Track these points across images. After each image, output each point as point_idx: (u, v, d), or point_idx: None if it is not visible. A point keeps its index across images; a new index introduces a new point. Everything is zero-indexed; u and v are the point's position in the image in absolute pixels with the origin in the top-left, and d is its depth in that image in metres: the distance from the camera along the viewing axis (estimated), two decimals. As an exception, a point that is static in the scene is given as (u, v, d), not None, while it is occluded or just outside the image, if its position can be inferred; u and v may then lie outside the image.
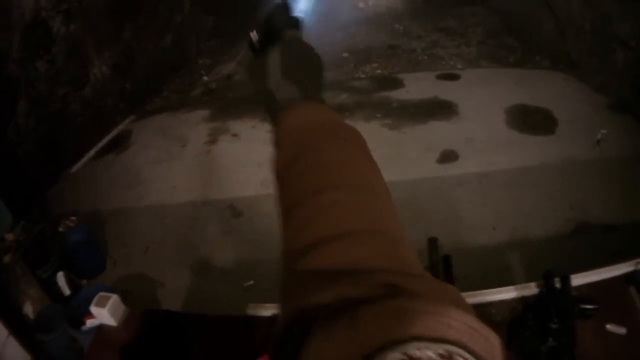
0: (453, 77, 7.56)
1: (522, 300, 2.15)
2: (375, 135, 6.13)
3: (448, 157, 5.57)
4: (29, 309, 3.58)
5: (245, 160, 5.82)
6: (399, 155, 5.72)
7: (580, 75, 6.82)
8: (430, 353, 0.44)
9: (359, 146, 0.93)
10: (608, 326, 1.95)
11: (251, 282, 4.20)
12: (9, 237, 3.60)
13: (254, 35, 1.12)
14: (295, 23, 1.14)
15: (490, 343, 0.48)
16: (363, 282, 0.58)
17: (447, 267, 2.04)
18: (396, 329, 0.46)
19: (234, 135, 6.62)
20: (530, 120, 6.04)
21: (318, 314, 0.54)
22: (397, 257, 0.71)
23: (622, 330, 1.94)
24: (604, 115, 5.91)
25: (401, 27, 10.17)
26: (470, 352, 0.45)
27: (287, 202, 0.83)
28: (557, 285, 1.96)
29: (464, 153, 5.59)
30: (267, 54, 1.07)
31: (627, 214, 4.37)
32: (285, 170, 0.87)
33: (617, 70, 6.07)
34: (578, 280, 2.15)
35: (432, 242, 2.09)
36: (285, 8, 1.14)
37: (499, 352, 0.49)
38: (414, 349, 0.44)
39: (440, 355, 0.44)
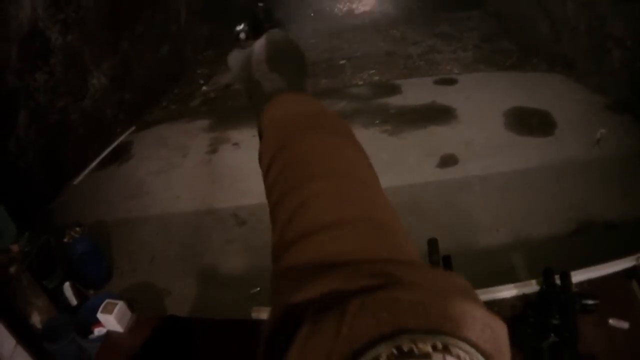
0: (450, 82, 7.59)
1: (523, 298, 2.17)
2: (375, 141, 6.15)
3: (448, 161, 5.59)
4: (36, 319, 3.60)
5: (246, 169, 5.80)
6: (399, 160, 5.74)
7: (578, 77, 6.84)
8: (425, 347, 0.43)
9: (346, 135, 0.92)
10: (610, 321, 1.96)
11: (257, 289, 4.20)
12: (14, 248, 3.62)
13: (242, 27, 1.15)
14: (278, 23, 1.18)
15: (494, 332, 0.47)
16: (355, 274, 0.56)
17: (447, 268, 2.05)
18: (388, 322, 0.45)
19: (235, 144, 6.64)
20: (529, 122, 6.07)
21: (308, 309, 0.52)
22: (391, 245, 0.69)
23: (624, 325, 1.95)
24: (602, 115, 5.93)
25: (397, 33, 10.19)
26: (470, 343, 0.44)
27: (274, 196, 0.82)
28: (558, 281, 1.97)
29: (464, 157, 5.60)
30: (253, 46, 1.11)
31: (627, 211, 4.39)
32: (271, 162, 0.86)
33: (614, 70, 6.10)
34: (579, 276, 2.16)
35: (432, 243, 2.09)
36: (269, 10, 1.18)
37: (505, 341, 0.48)
38: (407, 343, 0.43)
39: (437, 349, 0.43)
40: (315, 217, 0.72)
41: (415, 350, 0.42)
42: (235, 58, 1.15)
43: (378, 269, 0.56)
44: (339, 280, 0.55)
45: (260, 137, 0.96)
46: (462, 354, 0.43)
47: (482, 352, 0.45)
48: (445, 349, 0.43)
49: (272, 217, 0.80)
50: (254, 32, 1.14)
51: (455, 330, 0.44)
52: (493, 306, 2.14)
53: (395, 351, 0.43)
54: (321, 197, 0.74)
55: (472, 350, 0.44)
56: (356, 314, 0.46)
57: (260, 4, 1.17)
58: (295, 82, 1.06)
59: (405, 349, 0.42)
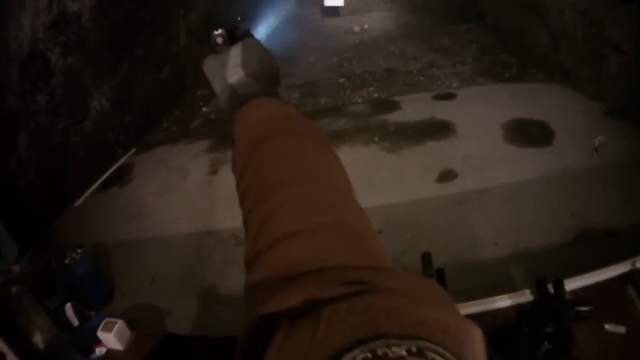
0: (449, 97, 7.63)
1: (517, 307, 2.17)
2: (374, 158, 6.20)
3: (447, 176, 5.60)
4: (38, 339, 3.59)
5: None
6: (399, 177, 5.77)
7: (576, 85, 6.88)
8: (400, 351, 0.43)
9: (317, 139, 0.92)
10: (607, 326, 1.96)
11: (258, 308, 4.19)
12: (16, 268, 3.63)
13: (219, 32, 1.16)
14: (253, 36, 1.21)
15: (469, 337, 0.48)
16: (327, 281, 0.56)
17: (440, 281, 2.04)
18: (364, 328, 0.45)
19: (235, 165, 6.64)
20: (528, 133, 6.09)
21: (281, 318, 0.52)
22: (364, 252, 0.68)
23: (621, 329, 1.95)
24: (600, 122, 5.95)
25: (396, 49, 10.25)
26: (444, 347, 0.44)
27: (247, 205, 0.82)
28: (552, 290, 1.97)
29: (462, 171, 5.61)
30: (229, 51, 1.14)
31: (627, 218, 4.37)
32: (243, 169, 0.86)
33: (612, 76, 6.13)
34: (574, 284, 2.17)
35: (426, 257, 2.08)
36: (246, 22, 1.27)
37: (480, 346, 0.48)
38: (382, 347, 0.43)
39: (411, 353, 0.43)
40: (285, 224, 0.71)
41: (390, 354, 0.43)
42: (210, 63, 1.18)
43: (351, 276, 0.56)
44: (312, 288, 0.55)
45: (234, 142, 0.97)
46: (437, 357, 0.44)
47: (457, 356, 0.45)
48: (420, 353, 0.43)
49: (245, 226, 0.81)
50: (231, 39, 1.17)
51: (430, 334, 0.45)
52: (487, 317, 2.15)
53: (370, 355, 0.43)
54: (290, 205, 0.74)
55: (447, 354, 0.44)
56: (330, 320, 0.46)
57: (239, 18, 1.20)
58: (269, 88, 1.09)
59: (380, 352, 0.43)
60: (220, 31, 1.17)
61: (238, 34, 1.18)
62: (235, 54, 1.13)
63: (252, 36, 1.20)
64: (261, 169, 0.83)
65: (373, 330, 0.44)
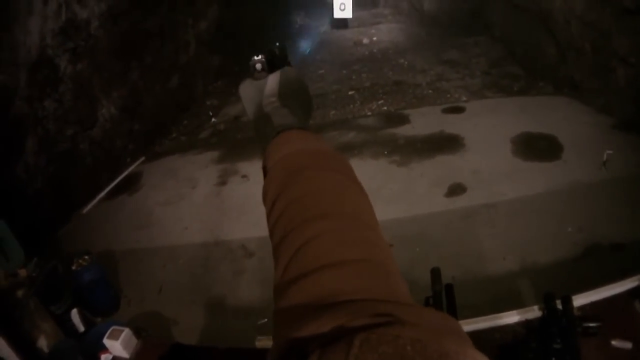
0: (458, 110, 7.64)
1: (525, 323, 2.16)
2: (384, 172, 6.19)
3: (456, 190, 5.59)
4: (43, 343, 3.59)
5: (255, 201, 5.73)
6: (408, 191, 5.77)
7: (584, 98, 6.90)
8: None
9: (348, 176, 0.93)
10: (613, 342, 1.95)
11: (265, 320, 4.19)
12: (22, 272, 3.64)
13: (258, 59, 1.17)
14: (290, 64, 1.22)
15: None
16: (358, 312, 0.58)
17: (449, 296, 2.04)
18: (391, 356, 0.48)
19: (244, 176, 6.69)
20: (536, 147, 6.08)
21: (314, 343, 0.56)
22: (390, 287, 0.71)
23: (628, 345, 1.94)
24: (608, 135, 5.96)
25: (405, 62, 10.27)
26: None
27: (277, 234, 0.83)
28: (560, 306, 1.96)
29: (471, 185, 5.61)
30: (267, 79, 1.16)
31: (635, 232, 4.35)
32: (275, 200, 0.87)
33: (620, 89, 6.13)
34: (582, 299, 2.16)
35: (435, 272, 2.08)
36: (285, 49, 1.22)
37: None
38: None
39: None
40: (317, 256, 0.73)
41: None
42: (247, 88, 1.19)
43: (379, 309, 0.58)
44: (342, 317, 0.57)
45: (265, 173, 0.98)
46: None
47: None
48: None
49: (275, 255, 0.81)
50: (269, 66, 1.18)
51: None
52: (495, 333, 2.14)
53: None
54: (323, 237, 0.76)
55: None
56: (361, 347, 0.49)
57: (277, 44, 1.21)
58: (302, 120, 1.10)
59: None
60: (259, 57, 1.17)
61: (277, 61, 1.19)
62: (272, 82, 1.16)
63: (290, 65, 1.21)
64: (293, 202, 0.84)
65: (400, 358, 0.47)
